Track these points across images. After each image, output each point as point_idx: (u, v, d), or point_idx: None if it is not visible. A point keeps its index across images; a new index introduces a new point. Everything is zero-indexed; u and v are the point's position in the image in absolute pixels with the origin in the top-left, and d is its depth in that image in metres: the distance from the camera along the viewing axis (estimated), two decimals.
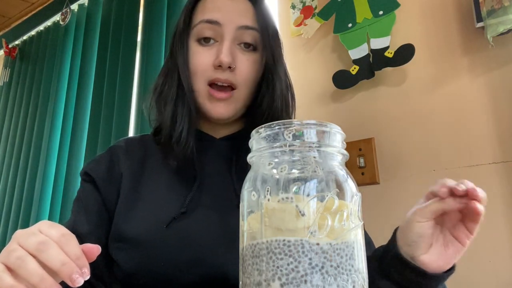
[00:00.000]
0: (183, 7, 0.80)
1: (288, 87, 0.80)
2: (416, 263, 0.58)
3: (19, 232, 0.45)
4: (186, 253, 0.65)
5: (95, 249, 0.45)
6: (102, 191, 0.73)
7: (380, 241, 0.83)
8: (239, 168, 0.74)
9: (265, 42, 0.75)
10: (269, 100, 0.75)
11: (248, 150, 0.72)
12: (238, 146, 0.76)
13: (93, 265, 0.68)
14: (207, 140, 0.78)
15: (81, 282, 0.41)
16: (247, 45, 0.74)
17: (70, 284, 0.41)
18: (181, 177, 0.73)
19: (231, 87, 0.74)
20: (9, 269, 0.43)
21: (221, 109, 0.74)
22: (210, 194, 0.72)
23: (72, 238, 0.45)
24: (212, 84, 0.74)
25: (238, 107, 0.75)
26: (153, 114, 0.80)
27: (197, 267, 0.64)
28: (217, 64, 0.72)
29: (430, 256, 0.58)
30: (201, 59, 0.73)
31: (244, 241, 0.44)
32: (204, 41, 0.74)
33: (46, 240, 0.43)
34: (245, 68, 0.73)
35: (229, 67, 0.72)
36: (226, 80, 0.72)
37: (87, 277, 0.42)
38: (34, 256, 0.42)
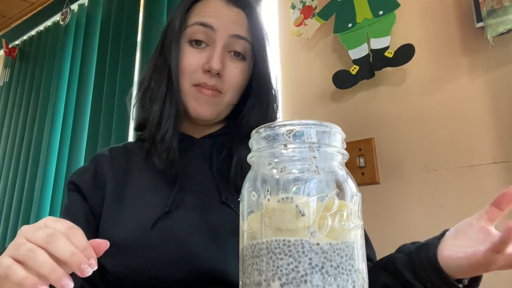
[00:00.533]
0: (178, 6, 0.80)
1: (276, 97, 0.83)
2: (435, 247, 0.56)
3: (25, 227, 0.46)
4: (172, 251, 0.65)
5: (103, 244, 0.46)
6: (88, 199, 0.73)
7: (380, 241, 0.83)
8: (220, 165, 0.76)
9: (259, 54, 0.77)
10: (261, 112, 0.78)
11: (227, 147, 0.73)
12: (218, 143, 0.79)
13: None
14: (187, 141, 0.79)
15: (89, 272, 0.42)
16: (237, 54, 0.77)
17: (79, 274, 0.42)
18: (163, 178, 0.74)
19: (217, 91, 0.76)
20: (19, 262, 0.43)
21: (206, 108, 0.75)
22: (192, 192, 0.73)
23: (79, 230, 0.46)
24: (197, 86, 0.75)
25: (221, 110, 0.78)
26: (136, 109, 0.81)
27: (184, 265, 0.65)
28: (206, 69, 0.74)
29: (447, 247, 0.55)
30: (191, 61, 0.75)
31: (244, 241, 0.44)
32: (196, 43, 0.76)
33: (54, 233, 0.44)
34: (233, 75, 0.76)
35: (218, 74, 0.74)
36: (213, 86, 0.74)
37: (95, 267, 0.43)
38: (43, 249, 0.43)
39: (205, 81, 0.74)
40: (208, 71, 0.73)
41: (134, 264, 0.64)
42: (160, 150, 0.73)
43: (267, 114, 0.79)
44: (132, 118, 0.83)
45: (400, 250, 0.65)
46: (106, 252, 0.67)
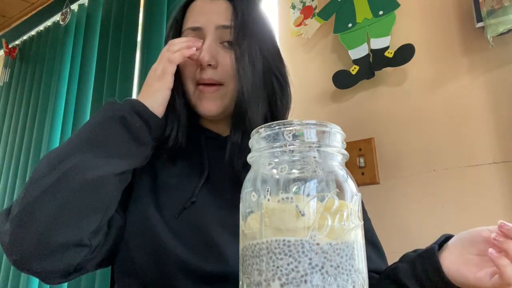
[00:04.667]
0: (172, 16, 0.84)
1: (245, 82, 0.79)
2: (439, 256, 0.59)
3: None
4: (198, 239, 0.67)
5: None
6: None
7: (380, 241, 0.83)
8: (245, 163, 0.76)
9: (240, 39, 0.76)
10: (239, 99, 0.76)
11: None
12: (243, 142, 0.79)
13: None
14: (213, 138, 0.82)
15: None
16: (229, 43, 0.77)
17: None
18: (190, 169, 0.76)
19: (218, 84, 0.77)
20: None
21: (210, 105, 0.77)
22: (219, 185, 0.75)
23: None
24: (198, 85, 0.77)
25: (227, 103, 0.77)
26: None
27: (209, 252, 0.66)
28: (199, 63, 0.75)
29: (453, 256, 0.58)
30: (188, 61, 0.77)
31: (244, 241, 0.44)
32: None
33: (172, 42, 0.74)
34: (227, 63, 0.76)
35: (210, 65, 0.75)
36: (210, 79, 0.76)
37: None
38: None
39: (201, 76, 0.76)
40: (201, 65, 0.75)
41: (160, 252, 0.66)
42: (168, 147, 0.76)
43: (244, 101, 0.75)
44: None
45: (402, 259, 0.67)
46: (133, 244, 0.68)
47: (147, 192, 0.73)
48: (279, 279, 0.40)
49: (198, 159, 0.78)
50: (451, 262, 0.58)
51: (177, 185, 0.74)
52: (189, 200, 0.71)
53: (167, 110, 0.77)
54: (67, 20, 2.41)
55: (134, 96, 1.86)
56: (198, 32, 0.77)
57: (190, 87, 0.78)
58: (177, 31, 0.81)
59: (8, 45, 2.83)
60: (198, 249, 0.66)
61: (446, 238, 0.62)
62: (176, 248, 0.66)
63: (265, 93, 0.79)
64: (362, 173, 1.31)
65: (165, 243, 0.66)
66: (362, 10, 1.38)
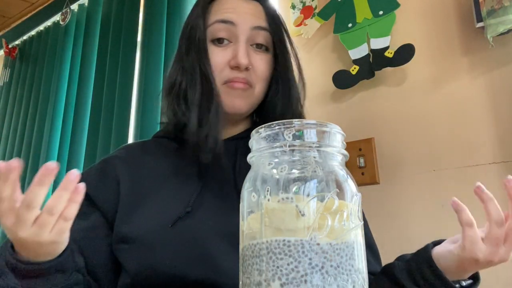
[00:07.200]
0: (196, 6, 0.80)
1: (298, 88, 0.81)
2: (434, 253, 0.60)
3: None
4: (192, 250, 0.65)
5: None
6: (93, 197, 0.72)
7: (380, 241, 0.83)
8: (243, 168, 0.75)
9: (279, 44, 0.77)
10: (284, 103, 0.77)
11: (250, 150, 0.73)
12: (243, 146, 0.77)
13: (92, 265, 0.67)
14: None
15: None
16: (259, 46, 0.77)
17: None
18: (185, 177, 0.73)
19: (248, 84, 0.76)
20: None
21: (240, 102, 0.75)
22: (214, 194, 0.72)
23: None
24: (228, 83, 0.75)
25: (254, 103, 0.78)
26: (168, 112, 0.79)
27: (203, 264, 0.64)
28: (233, 65, 0.74)
29: (445, 244, 0.60)
30: (217, 59, 0.75)
31: (244, 241, 0.44)
32: (218, 41, 0.76)
33: None
34: (260, 67, 0.76)
35: (246, 68, 0.74)
36: (244, 79, 0.75)
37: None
38: None
39: (235, 75, 0.74)
40: (236, 67, 0.74)
41: (152, 261, 0.64)
42: (206, 149, 0.71)
43: (291, 105, 0.78)
44: (161, 121, 0.83)
45: (399, 258, 0.69)
46: (122, 248, 0.68)
47: (136, 201, 0.70)
48: (279, 279, 0.40)
49: (194, 164, 0.74)
50: (442, 248, 0.61)
51: (170, 193, 0.71)
52: (184, 209, 0.68)
53: (199, 112, 0.73)
54: (67, 20, 2.41)
55: (133, 95, 1.86)
56: (230, 26, 0.75)
57: (216, 86, 0.75)
58: (200, 22, 0.76)
59: (8, 45, 2.82)
60: (193, 261, 0.64)
61: (443, 240, 0.65)
62: (170, 260, 0.64)
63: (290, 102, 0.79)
64: (362, 173, 1.31)
65: (158, 255, 0.64)
66: (362, 10, 1.38)
